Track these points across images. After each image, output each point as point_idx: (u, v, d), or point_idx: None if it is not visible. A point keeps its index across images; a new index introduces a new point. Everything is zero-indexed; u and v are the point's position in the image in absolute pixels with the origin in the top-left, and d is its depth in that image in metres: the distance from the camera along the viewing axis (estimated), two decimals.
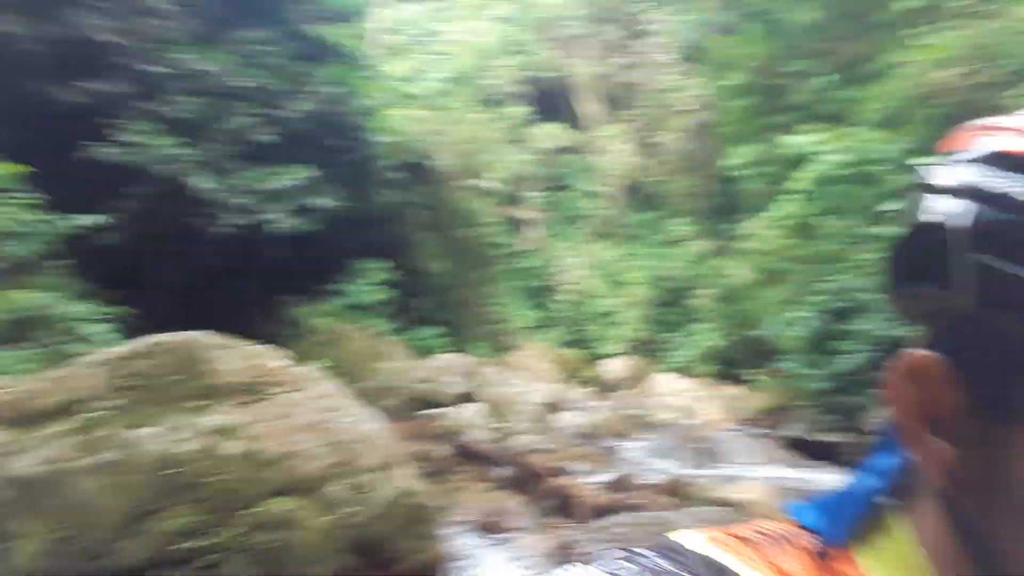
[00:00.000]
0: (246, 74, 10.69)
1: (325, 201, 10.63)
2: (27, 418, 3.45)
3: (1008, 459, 0.39)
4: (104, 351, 4.10)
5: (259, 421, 3.73)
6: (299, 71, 11.18)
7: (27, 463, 3.18)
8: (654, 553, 0.46)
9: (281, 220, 10.14)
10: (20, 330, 4.97)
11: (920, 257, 0.41)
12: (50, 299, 5.41)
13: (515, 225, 20.12)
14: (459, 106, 18.21)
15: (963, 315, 0.38)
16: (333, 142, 11.40)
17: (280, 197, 10.34)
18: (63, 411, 3.48)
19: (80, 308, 5.81)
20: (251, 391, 3.91)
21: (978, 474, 0.40)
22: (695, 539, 0.48)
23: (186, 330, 4.20)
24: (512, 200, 20.26)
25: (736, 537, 0.47)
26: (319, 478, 3.68)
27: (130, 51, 10.19)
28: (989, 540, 0.40)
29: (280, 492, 3.51)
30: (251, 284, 10.78)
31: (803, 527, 0.48)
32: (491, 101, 22.80)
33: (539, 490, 6.13)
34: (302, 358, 7.08)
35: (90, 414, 3.46)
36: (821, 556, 0.45)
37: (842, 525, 0.46)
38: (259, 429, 3.68)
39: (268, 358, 4.19)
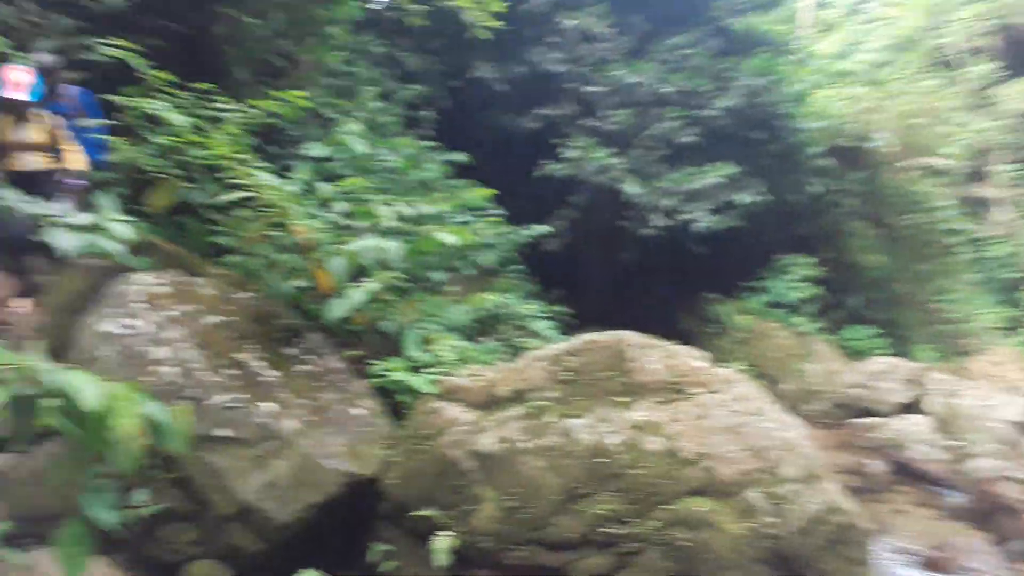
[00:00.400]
0: (670, 80, 11.10)
1: (747, 196, 10.44)
2: (488, 402, 4.16)
3: None
4: (547, 347, 4.70)
5: (678, 420, 3.87)
6: (722, 68, 11.17)
7: (487, 441, 3.84)
8: None
9: (703, 218, 10.28)
10: (487, 325, 6.02)
11: None
12: (508, 299, 6.45)
13: (976, 207, 17.01)
14: (903, 75, 16.13)
15: None
16: (755, 135, 11.13)
17: (702, 196, 10.49)
18: (515, 398, 4.11)
19: (529, 307, 6.77)
20: (672, 390, 4.08)
21: None
22: None
23: (612, 328, 4.57)
24: (973, 178, 17.17)
25: None
26: (736, 483, 3.65)
27: (575, 76, 11.47)
28: None
29: (696, 492, 3.60)
30: (672, 282, 11.18)
31: None
32: (945, 63, 19.66)
33: (1008, 527, 5.12)
34: (721, 356, 7.11)
35: (535, 403, 4.02)
36: None
37: None
38: (678, 428, 3.82)
39: (689, 358, 4.32)
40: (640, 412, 3.89)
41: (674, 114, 10.84)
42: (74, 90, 5.57)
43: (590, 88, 11.22)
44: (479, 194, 7.76)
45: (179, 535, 3.51)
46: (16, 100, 4.68)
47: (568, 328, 7.31)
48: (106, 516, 2.20)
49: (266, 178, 4.50)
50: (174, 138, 4.67)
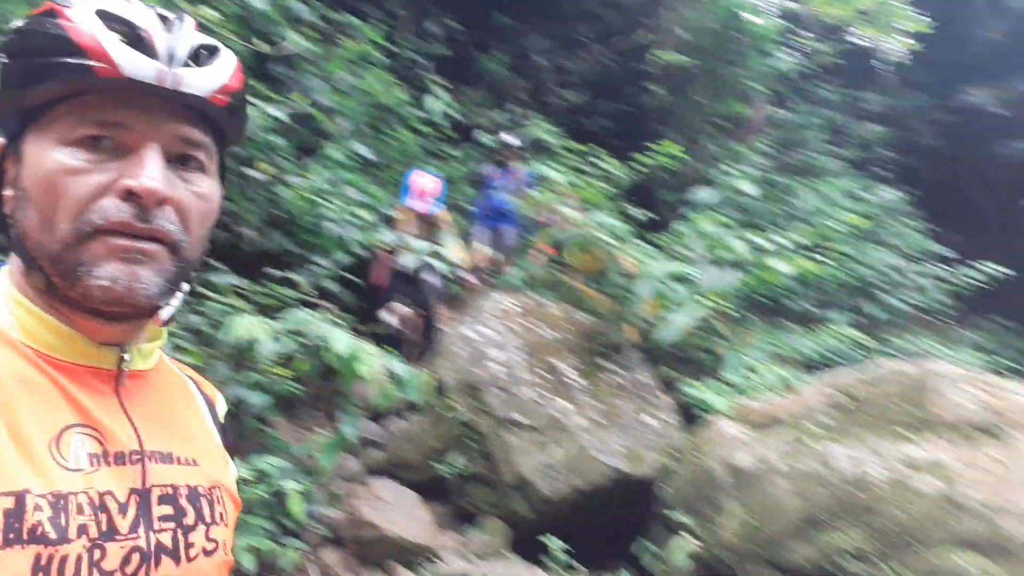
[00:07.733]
0: None
1: None
2: (765, 423, 4.02)
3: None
4: (837, 373, 4.27)
5: (973, 463, 3.15)
6: None
7: (745, 457, 3.75)
8: None
9: None
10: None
11: None
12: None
13: None
14: None
15: None
16: None
17: None
18: (789, 421, 3.89)
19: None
20: (978, 429, 3.31)
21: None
22: None
23: None
24: None
25: None
26: None
27: None
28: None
29: (969, 545, 2.90)
30: None
31: None
32: None
33: None
34: None
35: (805, 427, 3.75)
36: None
37: None
38: (967, 472, 3.12)
39: (1019, 395, 3.40)
40: (923, 450, 3.30)
41: None
42: (522, 171, 7.07)
43: None
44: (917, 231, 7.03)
45: (480, 495, 4.43)
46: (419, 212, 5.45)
47: None
48: (349, 432, 3.24)
49: (600, 219, 5.26)
50: (547, 192, 5.81)
